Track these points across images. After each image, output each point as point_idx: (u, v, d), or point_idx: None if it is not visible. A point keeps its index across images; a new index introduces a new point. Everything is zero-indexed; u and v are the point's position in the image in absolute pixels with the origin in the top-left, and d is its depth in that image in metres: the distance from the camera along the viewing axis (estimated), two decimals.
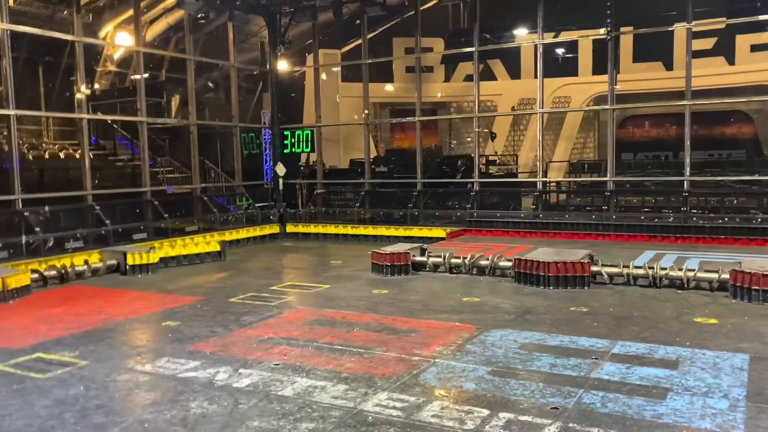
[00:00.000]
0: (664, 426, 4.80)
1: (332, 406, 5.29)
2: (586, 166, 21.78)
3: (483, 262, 11.04)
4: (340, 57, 23.41)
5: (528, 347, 6.87)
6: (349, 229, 16.90)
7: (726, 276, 9.11)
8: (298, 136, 19.66)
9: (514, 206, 17.41)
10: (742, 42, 20.26)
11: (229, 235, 15.73)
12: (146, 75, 16.69)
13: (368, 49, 18.62)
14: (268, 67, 19.88)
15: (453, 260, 11.33)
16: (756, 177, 15.98)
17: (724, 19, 15.50)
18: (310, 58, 20.93)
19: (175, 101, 22.52)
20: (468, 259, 11.16)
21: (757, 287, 8.60)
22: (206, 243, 13.84)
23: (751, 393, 5.42)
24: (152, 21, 21.57)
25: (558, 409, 5.14)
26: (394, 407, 5.23)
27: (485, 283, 10.54)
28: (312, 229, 17.56)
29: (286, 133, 19.72)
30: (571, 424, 4.84)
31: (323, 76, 21.49)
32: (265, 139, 20.66)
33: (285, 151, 19.68)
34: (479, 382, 5.84)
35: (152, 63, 22.50)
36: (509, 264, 10.66)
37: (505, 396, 5.47)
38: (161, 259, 12.57)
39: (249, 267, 13.08)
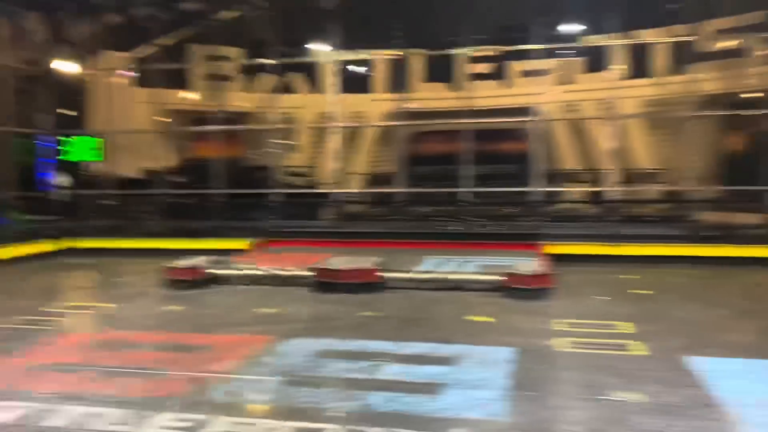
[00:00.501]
0: (439, 419, 5.19)
1: None
2: (382, 178, 22.82)
3: (283, 273, 11.07)
4: (133, 61, 22.06)
5: (322, 354, 7.02)
6: (143, 243, 15.93)
7: (500, 278, 10.09)
8: (85, 143, 18.15)
9: (316, 217, 17.67)
10: (515, 68, 22.68)
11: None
12: None
13: (165, 54, 17.79)
14: (47, 67, 18.14)
15: (252, 272, 11.22)
16: (528, 189, 17.92)
17: (498, 47, 17.26)
18: (98, 61, 19.46)
19: None
20: (268, 270, 11.13)
21: (524, 286, 9.66)
22: None
23: (514, 382, 6.06)
24: None
25: (345, 413, 5.33)
26: (177, 428, 5.04)
27: (285, 294, 10.56)
28: (100, 243, 16.26)
29: (70, 139, 18.09)
30: (356, 427, 5.04)
31: (113, 80, 20.10)
32: (44, 145, 18.76)
33: (69, 159, 18.03)
34: (271, 393, 5.85)
35: None
36: (308, 273, 10.81)
37: (294, 405, 5.53)
38: None
39: (22, 288, 11.77)
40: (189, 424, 5.10)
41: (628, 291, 10.49)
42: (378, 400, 5.60)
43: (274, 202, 17.02)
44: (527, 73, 20.81)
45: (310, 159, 24.44)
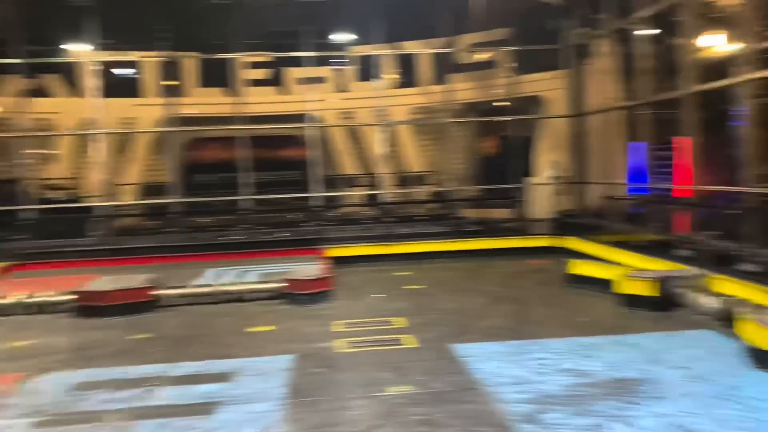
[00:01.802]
0: None
1: None
2: (156, 188, 21.55)
3: (38, 299, 9.85)
4: None
5: (82, 386, 6.35)
6: None
7: (280, 285, 10.03)
8: None
9: (81, 234, 16.07)
10: (291, 75, 22.84)
11: None
12: None
13: None
14: None
15: (0, 301, 9.82)
16: (308, 194, 18.15)
17: (269, 53, 17.22)
18: None
19: None
20: (21, 298, 9.83)
21: (305, 292, 9.72)
22: None
23: (291, 391, 6.03)
24: None
25: None
26: None
27: (41, 323, 9.41)
28: None
29: None
30: None
31: None
32: None
33: None
34: None
35: None
36: (71, 297, 9.76)
37: None
38: None
39: None
40: None
41: (402, 287, 11.08)
42: (148, 428, 5.20)
43: (27, 220, 15.14)
44: (303, 81, 21.07)
45: (72, 169, 22.26)
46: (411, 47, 20.79)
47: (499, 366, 6.53)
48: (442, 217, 18.05)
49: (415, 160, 22.33)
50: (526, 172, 17.53)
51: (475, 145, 21.68)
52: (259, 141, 20.69)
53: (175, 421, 5.34)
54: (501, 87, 19.05)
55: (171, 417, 5.43)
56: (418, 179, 21.26)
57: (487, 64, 21.01)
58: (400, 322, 8.55)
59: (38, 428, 5.34)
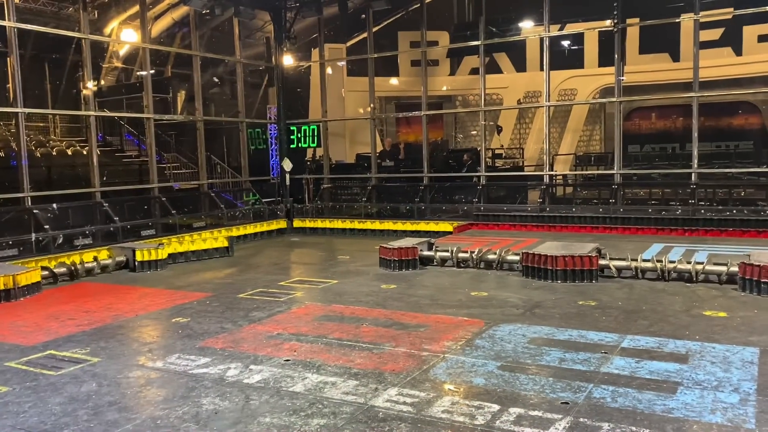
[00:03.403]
0: (674, 420, 4.80)
1: (343, 401, 5.31)
2: (592, 158, 21.70)
3: (490, 256, 11.04)
4: (345, 51, 23.38)
5: (537, 342, 6.87)
6: (356, 224, 16.92)
7: (735, 269, 9.08)
8: (304, 131, 19.65)
9: (520, 200, 17.38)
10: (749, 33, 20.12)
11: (237, 231, 15.77)
12: (152, 71, 16.73)
13: (373, 43, 18.59)
14: (273, 62, 19.88)
15: (461, 254, 11.33)
16: (764, 168, 15.87)
17: (731, 9, 15.37)
18: (315, 53, 20.88)
19: (181, 97, 22.54)
20: (475, 253, 11.16)
21: (766, 280, 8.57)
22: (214, 239, 13.89)
23: (761, 387, 5.41)
24: (157, 17, 21.57)
25: (568, 404, 5.15)
26: (404, 403, 5.25)
27: (493, 278, 10.54)
28: (319, 224, 17.59)
29: (292, 128, 19.72)
30: (581, 419, 4.85)
31: (329, 70, 21.48)
32: (271, 134, 20.67)
33: (291, 146, 19.68)
34: (489, 377, 5.85)
35: (158, 59, 22.53)
36: (517, 258, 10.66)
37: (514, 391, 5.48)
38: (169, 255, 12.63)
39: (257, 263, 13.13)
40: (414, 400, 5.29)
41: None
42: (604, 394, 5.33)
43: (479, 184, 16.98)
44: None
45: (516, 140, 24.02)
46: None
47: None
48: None
49: None
50: None
51: None
52: (705, 109, 18.91)
53: (632, 392, 5.33)
54: None
55: (627, 387, 5.45)
56: None
57: None
58: None
59: (502, 371, 5.98)
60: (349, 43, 23.71)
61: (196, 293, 9.94)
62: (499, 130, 22.95)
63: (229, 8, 17.33)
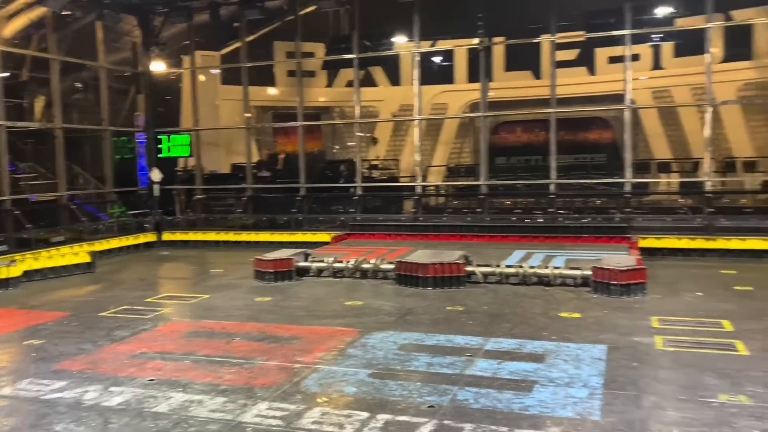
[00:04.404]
0: (530, 417, 5.11)
1: (210, 420, 5.17)
2: (462, 170, 22.62)
3: (366, 266, 11.19)
4: (220, 59, 22.83)
5: (407, 348, 7.05)
6: (231, 236, 16.52)
7: (588, 272, 9.80)
8: (175, 140, 18.93)
9: (396, 210, 17.74)
10: (601, 54, 21.87)
11: (100, 245, 14.87)
12: (5, 74, 15.42)
13: (248, 52, 18.31)
14: (140, 68, 19.03)
15: (336, 264, 11.39)
16: (615, 180, 17.24)
17: (583, 32, 16.66)
18: (186, 60, 20.22)
19: (40, 103, 20.97)
20: (351, 263, 11.27)
21: (615, 282, 9.33)
22: (74, 254, 13.02)
23: (607, 381, 5.88)
24: (11, 16, 19.97)
25: (434, 407, 5.33)
26: (274, 417, 5.20)
27: (368, 287, 10.69)
28: (191, 236, 16.99)
29: (161, 137, 18.92)
30: (445, 421, 5.03)
31: (201, 78, 20.86)
32: (139, 143, 19.72)
33: (161, 155, 18.87)
34: (359, 385, 5.93)
35: (12, 62, 20.83)
36: (391, 266, 10.88)
37: (384, 397, 5.59)
38: (24, 272, 11.70)
39: (122, 279, 12.45)
40: (284, 413, 5.25)
41: (727, 287, 9.95)
42: (468, 396, 5.56)
43: (356, 195, 17.18)
44: (614, 60, 20.05)
45: (392, 152, 24.49)
46: (744, 16, 18.27)
47: None
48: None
49: (741, 143, 19.72)
50: None
51: None
52: (564, 123, 20.31)
53: (493, 393, 5.61)
54: None
55: (488, 388, 5.72)
56: (746, 166, 18.73)
57: None
58: (727, 325, 7.72)
59: (373, 378, 6.07)
60: (223, 51, 23.16)
61: (53, 313, 9.26)
62: (375, 141, 23.37)
63: (91, 11, 16.38)
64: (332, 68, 25.27)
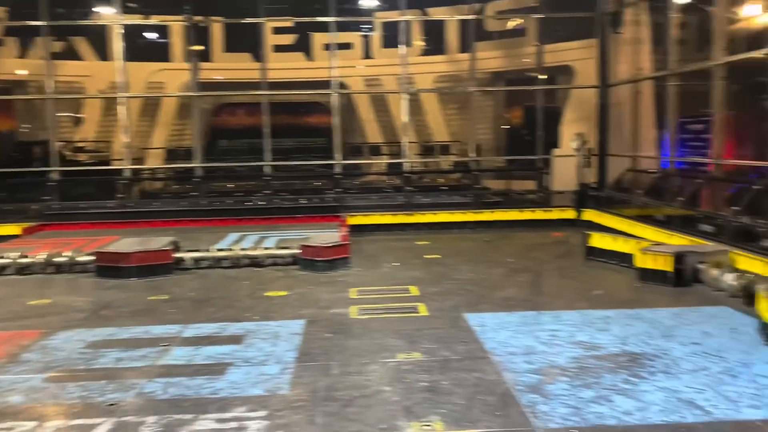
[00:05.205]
0: (219, 400, 5.02)
1: None
2: (182, 152, 21.70)
3: (59, 259, 10.05)
4: None
5: (96, 345, 6.47)
6: None
7: (297, 251, 10.07)
8: None
9: (109, 197, 16.32)
10: (317, 40, 22.64)
11: None
12: None
13: None
14: None
15: (23, 260, 10.05)
16: (327, 162, 18.00)
17: (293, 17, 17.04)
18: None
19: None
20: (42, 257, 10.03)
21: (320, 258, 9.74)
22: None
23: (301, 354, 6.07)
24: None
25: (114, 404, 4.96)
26: None
27: (63, 282, 9.64)
28: None
29: None
30: (126, 418, 4.71)
31: None
32: None
33: None
34: (30, 392, 5.27)
35: None
36: (90, 258, 9.95)
37: (58, 402, 5.04)
38: None
39: None
40: None
41: (420, 257, 11.01)
42: (156, 387, 5.29)
43: (55, 181, 15.36)
44: (329, 47, 20.93)
45: (100, 133, 22.51)
46: (438, 13, 20.43)
47: (511, 336, 6.48)
48: (465, 187, 17.87)
49: (439, 129, 22.10)
50: (553, 144, 17.24)
51: (502, 115, 21.34)
52: (284, 107, 20.65)
53: (184, 381, 5.41)
54: (529, 56, 18.64)
55: (180, 377, 5.51)
56: (442, 149, 21.06)
57: (515, 32, 20.57)
58: (414, 290, 8.54)
59: (49, 383, 5.46)
60: None
61: None
62: (79, 121, 21.18)
63: None
64: (25, 35, 22.23)
